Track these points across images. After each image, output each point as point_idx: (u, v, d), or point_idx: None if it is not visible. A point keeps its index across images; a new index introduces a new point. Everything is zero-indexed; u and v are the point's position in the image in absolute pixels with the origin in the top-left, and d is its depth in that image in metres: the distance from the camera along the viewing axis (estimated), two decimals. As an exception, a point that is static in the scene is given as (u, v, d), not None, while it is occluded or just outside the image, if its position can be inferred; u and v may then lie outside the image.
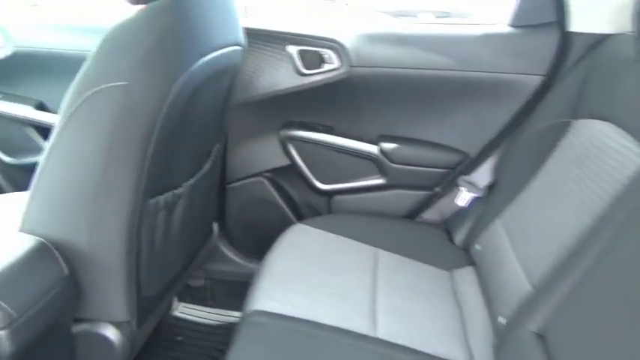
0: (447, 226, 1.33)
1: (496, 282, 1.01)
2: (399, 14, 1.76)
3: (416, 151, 1.32)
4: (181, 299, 1.55)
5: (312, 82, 1.28)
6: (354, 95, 1.33)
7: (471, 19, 1.78)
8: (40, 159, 0.82)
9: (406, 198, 1.37)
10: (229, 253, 1.51)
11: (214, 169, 1.20)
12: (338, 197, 1.42)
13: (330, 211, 1.43)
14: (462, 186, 1.29)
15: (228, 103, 1.17)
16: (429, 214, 1.38)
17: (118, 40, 0.77)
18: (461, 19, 1.95)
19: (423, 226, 1.36)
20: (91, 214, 0.82)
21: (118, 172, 0.81)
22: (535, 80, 1.19)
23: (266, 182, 1.44)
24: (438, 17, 2.02)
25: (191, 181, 1.03)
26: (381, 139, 1.34)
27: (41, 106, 1.49)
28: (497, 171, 1.27)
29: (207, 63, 0.87)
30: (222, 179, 1.40)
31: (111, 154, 0.80)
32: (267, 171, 1.44)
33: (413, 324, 0.96)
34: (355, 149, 1.35)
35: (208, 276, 1.53)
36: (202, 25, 0.85)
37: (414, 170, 1.33)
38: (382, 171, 1.35)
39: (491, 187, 1.25)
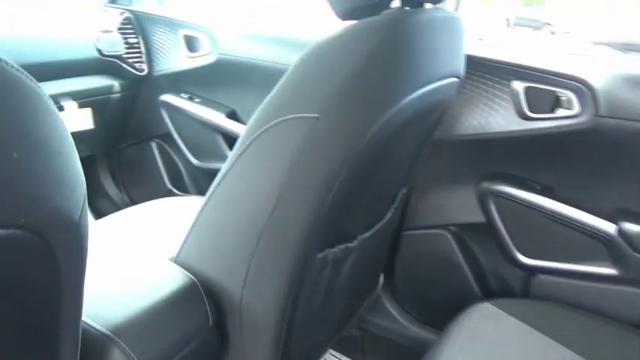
0: None
1: None
2: (626, 48, 1.36)
3: (675, 243, 0.94)
4: (329, 344, 1.40)
5: (538, 129, 1.00)
6: (591, 152, 1.01)
7: None
8: (212, 185, 0.72)
9: (646, 302, 0.99)
10: (391, 309, 1.31)
11: (395, 217, 1.00)
12: (542, 277, 1.10)
13: (527, 291, 1.13)
14: None
15: (428, 142, 0.96)
16: (680, 334, 0.98)
17: (316, 62, 0.62)
18: None
19: (669, 348, 0.97)
20: (249, 259, 0.69)
21: (289, 215, 0.66)
22: None
23: (450, 237, 1.19)
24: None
25: (367, 234, 0.85)
26: (621, 215, 0.99)
27: (233, 115, 1.48)
28: None
29: (420, 97, 0.67)
30: (398, 224, 1.20)
31: (285, 194, 0.65)
32: (454, 225, 1.20)
33: None
34: (581, 222, 1.02)
35: (363, 326, 1.35)
36: (423, 50, 0.66)
37: (667, 268, 0.95)
38: (617, 258, 1.00)
39: None
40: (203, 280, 0.70)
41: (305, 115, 0.60)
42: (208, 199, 0.71)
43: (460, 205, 1.17)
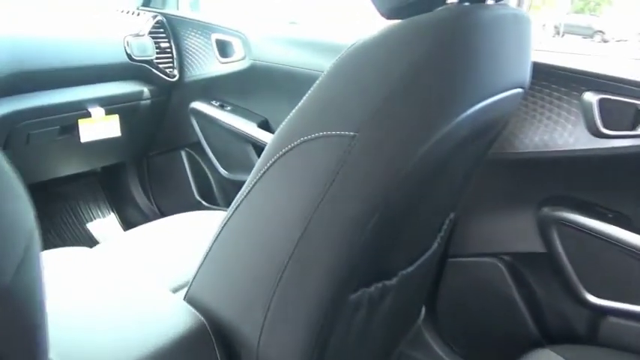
0: None
1: None
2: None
3: None
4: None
5: (613, 149, 0.86)
6: (679, 177, 0.85)
7: None
8: (227, 211, 0.61)
9: None
10: (433, 343, 1.18)
11: (441, 246, 0.87)
12: (613, 320, 0.95)
13: (594, 336, 0.97)
14: None
15: (483, 161, 0.83)
16: None
17: (353, 68, 0.51)
18: None
19: None
20: (268, 300, 0.58)
21: (317, 250, 0.56)
22: None
23: (503, 268, 1.05)
24: None
25: (410, 269, 0.73)
26: None
27: (265, 124, 1.39)
28: None
29: (481, 111, 0.55)
30: (444, 250, 1.07)
31: (312, 226, 0.54)
32: (508, 254, 1.05)
33: None
34: (664, 260, 0.87)
35: (400, 360, 1.22)
36: (486, 54, 0.54)
37: None
38: None
39: None
40: (215, 321, 0.60)
41: (339, 132, 0.49)
42: (223, 227, 0.61)
43: (516, 231, 1.03)
